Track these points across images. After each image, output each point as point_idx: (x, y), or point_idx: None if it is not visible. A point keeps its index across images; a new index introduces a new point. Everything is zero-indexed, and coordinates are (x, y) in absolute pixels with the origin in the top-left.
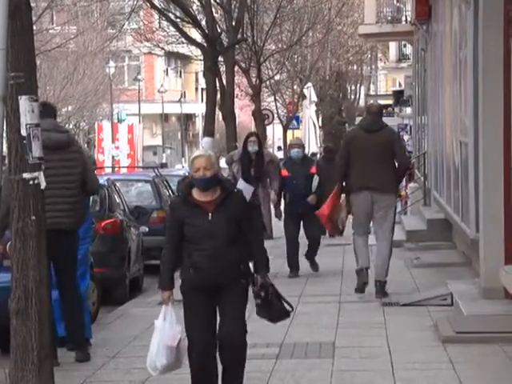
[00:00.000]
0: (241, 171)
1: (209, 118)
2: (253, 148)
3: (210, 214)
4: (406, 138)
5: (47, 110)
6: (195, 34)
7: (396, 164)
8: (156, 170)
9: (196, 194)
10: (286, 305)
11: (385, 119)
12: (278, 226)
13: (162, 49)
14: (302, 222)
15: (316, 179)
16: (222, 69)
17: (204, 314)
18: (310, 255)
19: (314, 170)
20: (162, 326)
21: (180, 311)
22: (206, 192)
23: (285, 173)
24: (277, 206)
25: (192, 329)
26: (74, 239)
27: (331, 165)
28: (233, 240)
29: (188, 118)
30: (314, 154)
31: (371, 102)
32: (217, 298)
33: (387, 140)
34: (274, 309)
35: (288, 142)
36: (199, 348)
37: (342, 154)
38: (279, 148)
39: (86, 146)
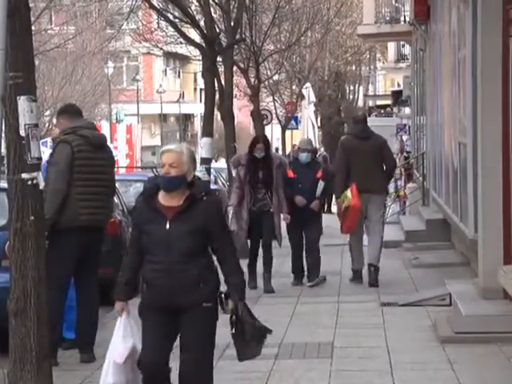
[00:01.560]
0: (248, 175)
1: (207, 118)
2: (259, 155)
3: (168, 222)
4: (404, 138)
5: (78, 110)
6: (194, 35)
7: (384, 166)
8: (154, 171)
9: (161, 196)
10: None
11: (384, 119)
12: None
13: (161, 49)
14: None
15: (321, 184)
16: (221, 69)
17: (158, 335)
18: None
19: (320, 174)
20: (114, 340)
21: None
22: (170, 194)
23: (290, 174)
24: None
25: (143, 350)
26: (103, 237)
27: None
28: (193, 255)
29: (187, 119)
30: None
31: (354, 114)
32: (178, 322)
33: (378, 145)
34: (250, 344)
35: (287, 142)
36: (147, 372)
37: (343, 159)
38: (276, 150)
39: None
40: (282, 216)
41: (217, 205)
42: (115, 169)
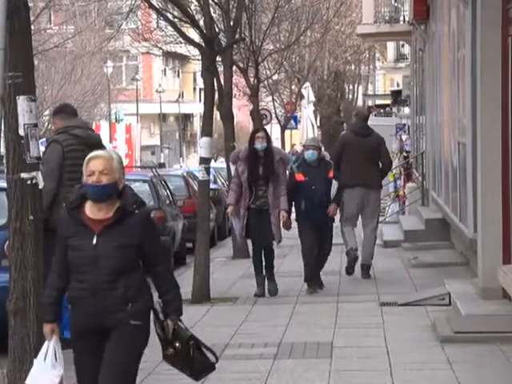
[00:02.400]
0: (247, 171)
1: (207, 117)
2: (261, 145)
3: (95, 237)
4: (404, 137)
5: (73, 110)
6: (193, 34)
7: (380, 164)
8: (154, 170)
9: (88, 207)
10: (209, 355)
11: (383, 119)
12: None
13: (160, 49)
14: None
15: (334, 185)
16: (220, 69)
17: (93, 362)
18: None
19: (331, 174)
20: (39, 368)
21: None
22: (99, 205)
23: (300, 177)
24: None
25: (77, 380)
26: None
27: None
28: (122, 272)
29: (186, 118)
30: None
31: (359, 108)
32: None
33: (376, 143)
34: (195, 364)
35: (286, 141)
36: None
37: (336, 153)
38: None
39: None
40: (282, 214)
41: (150, 218)
42: None
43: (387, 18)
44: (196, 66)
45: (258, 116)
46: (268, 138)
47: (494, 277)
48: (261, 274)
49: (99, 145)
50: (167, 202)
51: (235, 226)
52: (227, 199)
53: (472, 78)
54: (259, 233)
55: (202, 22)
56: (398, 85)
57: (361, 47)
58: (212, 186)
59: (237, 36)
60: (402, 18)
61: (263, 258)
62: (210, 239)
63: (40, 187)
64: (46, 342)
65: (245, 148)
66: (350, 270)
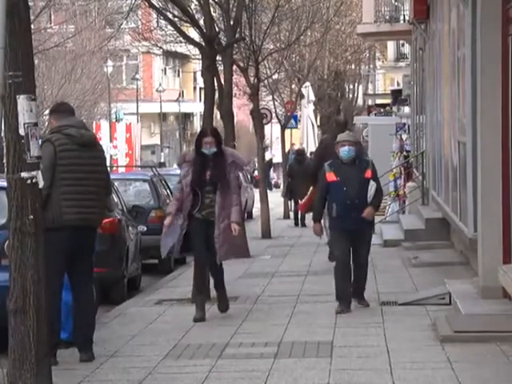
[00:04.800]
0: (191, 174)
1: (207, 117)
2: (209, 150)
3: None
4: (404, 137)
5: (69, 108)
6: (193, 33)
7: None
8: (154, 170)
9: None
10: None
11: (383, 118)
12: (278, 227)
13: (160, 48)
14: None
15: (372, 186)
16: (220, 68)
17: None
18: (359, 288)
19: (369, 173)
20: None
21: (178, 310)
22: None
23: (331, 177)
24: (316, 219)
25: None
26: (95, 237)
27: (302, 166)
28: None
29: (186, 117)
30: (312, 154)
31: (337, 117)
32: None
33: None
34: None
35: (286, 141)
36: None
37: (319, 154)
38: (266, 148)
39: None
40: (233, 228)
41: None
42: (107, 167)
43: (387, 17)
44: (196, 65)
45: (258, 115)
46: (218, 141)
47: (494, 276)
48: (201, 293)
49: (92, 144)
50: (167, 201)
51: (165, 240)
52: (167, 208)
53: (472, 78)
54: (205, 247)
55: (202, 22)
56: (398, 84)
57: (361, 46)
58: None
59: (237, 35)
60: (402, 18)
61: (210, 276)
62: None
63: (40, 187)
64: None
65: (193, 150)
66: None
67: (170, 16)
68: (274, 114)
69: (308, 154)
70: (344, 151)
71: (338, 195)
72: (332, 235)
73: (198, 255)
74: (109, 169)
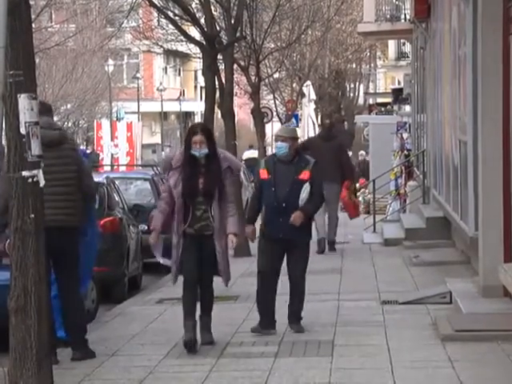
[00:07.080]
0: (181, 183)
1: (208, 116)
2: (200, 152)
3: None
4: (405, 136)
5: (42, 108)
6: (194, 32)
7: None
8: (155, 168)
9: None
10: None
11: (384, 117)
12: None
13: (161, 47)
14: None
15: (306, 188)
16: (221, 67)
17: None
18: (292, 312)
19: (306, 175)
20: None
21: (179, 309)
22: None
23: (264, 174)
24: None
25: None
26: (74, 237)
27: None
28: None
29: (187, 116)
30: None
31: (323, 121)
32: None
33: (336, 146)
34: None
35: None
36: None
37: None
38: (250, 146)
39: (85, 144)
40: (230, 240)
41: None
42: (81, 167)
43: (388, 16)
44: (197, 64)
45: (258, 114)
46: (210, 141)
47: (494, 275)
48: (191, 316)
49: (56, 144)
50: None
51: (161, 259)
52: (152, 223)
53: (473, 76)
54: (196, 266)
55: (202, 20)
56: (398, 83)
57: (362, 45)
58: None
59: (238, 34)
60: (403, 17)
61: (198, 298)
62: None
63: (41, 185)
64: None
65: (180, 152)
66: (320, 252)
67: (171, 15)
68: (274, 113)
69: None
70: (277, 147)
71: (266, 196)
72: (259, 242)
73: (188, 276)
74: (109, 168)
